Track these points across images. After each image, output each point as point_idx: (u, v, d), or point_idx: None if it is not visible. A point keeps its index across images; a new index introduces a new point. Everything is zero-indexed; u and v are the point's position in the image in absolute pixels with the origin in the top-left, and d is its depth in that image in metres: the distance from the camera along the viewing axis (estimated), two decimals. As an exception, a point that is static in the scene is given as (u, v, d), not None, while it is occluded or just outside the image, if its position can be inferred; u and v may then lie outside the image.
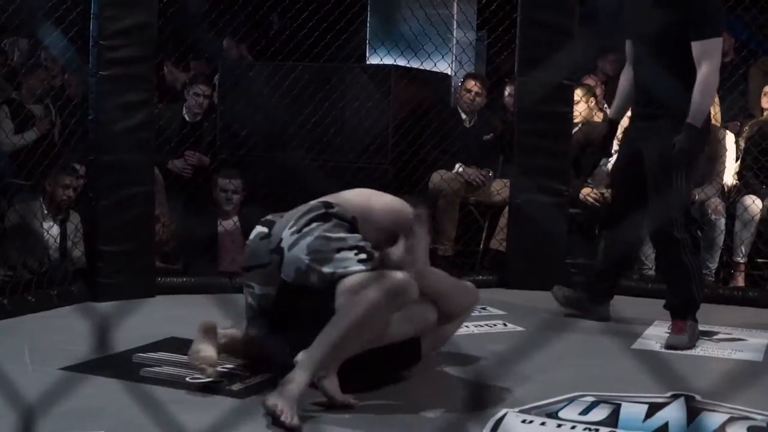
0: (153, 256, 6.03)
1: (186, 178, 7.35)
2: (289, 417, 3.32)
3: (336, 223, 3.92)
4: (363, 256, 3.81)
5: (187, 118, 7.52)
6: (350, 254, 3.81)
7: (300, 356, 3.53)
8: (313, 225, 3.89)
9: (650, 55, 4.83)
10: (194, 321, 4.47)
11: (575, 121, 7.18)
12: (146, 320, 5.11)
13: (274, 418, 3.33)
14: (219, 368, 3.97)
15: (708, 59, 4.67)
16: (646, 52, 4.88)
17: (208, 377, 3.83)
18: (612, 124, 5.32)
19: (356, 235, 3.91)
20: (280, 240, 3.91)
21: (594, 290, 5.44)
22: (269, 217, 4.13)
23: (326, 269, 3.78)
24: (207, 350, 3.86)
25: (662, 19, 4.70)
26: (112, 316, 5.07)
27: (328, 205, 4.00)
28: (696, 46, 4.69)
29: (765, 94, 7.45)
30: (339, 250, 3.81)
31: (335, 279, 3.76)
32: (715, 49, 4.70)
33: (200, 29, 7.74)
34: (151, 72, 5.91)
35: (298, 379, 3.44)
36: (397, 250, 3.95)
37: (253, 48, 7.63)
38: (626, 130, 5.33)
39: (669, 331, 5.02)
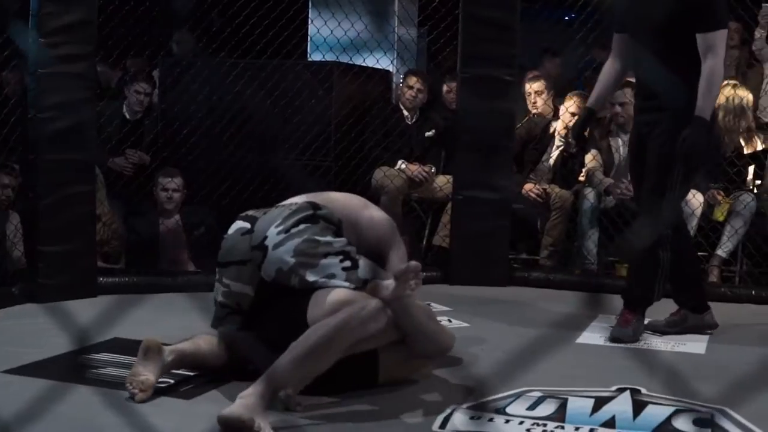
0: (94, 255, 5.97)
1: (127, 177, 7.28)
2: (263, 428, 3.27)
3: (324, 226, 3.89)
4: (348, 263, 3.80)
5: (127, 116, 7.45)
6: (335, 260, 3.79)
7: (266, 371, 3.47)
8: (301, 226, 3.84)
9: (652, 47, 4.76)
10: (137, 321, 4.45)
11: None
12: (88, 321, 5.07)
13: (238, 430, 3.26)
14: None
15: (713, 52, 4.63)
16: (648, 45, 4.80)
17: (140, 401, 3.64)
18: (590, 112, 5.22)
19: (342, 239, 3.89)
20: (265, 237, 3.84)
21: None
22: (250, 212, 4.04)
23: (310, 277, 3.76)
24: (144, 374, 3.68)
25: (666, 10, 4.67)
26: (54, 317, 5.04)
27: (316, 206, 3.96)
28: (701, 39, 4.65)
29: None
30: (325, 255, 3.79)
31: (315, 288, 3.75)
32: (720, 41, 4.66)
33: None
34: (92, 69, 5.86)
35: (259, 391, 3.36)
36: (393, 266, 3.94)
37: (196, 44, 7.58)
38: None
39: (615, 322, 5.03)
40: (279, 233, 3.82)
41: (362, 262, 3.86)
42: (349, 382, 3.77)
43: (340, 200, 4.14)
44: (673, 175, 4.73)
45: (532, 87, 7.59)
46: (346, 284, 3.76)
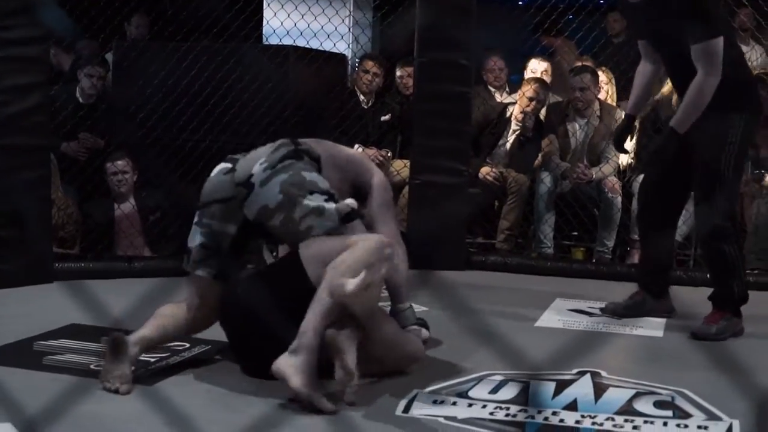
0: (50, 241, 5.91)
1: (81, 162, 7.21)
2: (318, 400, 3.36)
3: (307, 161, 3.90)
4: (332, 205, 3.79)
5: (81, 100, 7.37)
6: (321, 199, 3.79)
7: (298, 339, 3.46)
8: (286, 162, 3.84)
9: (670, 54, 4.75)
10: (94, 306, 4.41)
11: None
12: (45, 307, 5.02)
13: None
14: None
15: (703, 63, 4.53)
16: (666, 52, 4.80)
17: (126, 393, 3.57)
18: (630, 119, 5.10)
19: (325, 181, 3.88)
20: (251, 175, 3.82)
21: (654, 288, 5.17)
22: (231, 156, 4.03)
23: (295, 213, 3.75)
24: (119, 368, 3.60)
25: (664, 24, 4.64)
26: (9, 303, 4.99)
27: (296, 142, 3.97)
28: (692, 51, 4.55)
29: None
30: (311, 192, 3.78)
31: (298, 231, 3.75)
32: (709, 53, 4.51)
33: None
34: (45, 53, 5.80)
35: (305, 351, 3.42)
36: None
37: (150, 28, 7.51)
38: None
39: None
40: (265, 170, 3.81)
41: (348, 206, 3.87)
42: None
43: (314, 141, 4.14)
44: (721, 169, 4.64)
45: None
46: (329, 224, 3.76)
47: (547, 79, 7.56)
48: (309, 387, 3.37)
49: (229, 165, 3.95)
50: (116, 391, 3.55)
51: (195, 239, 3.97)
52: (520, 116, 7.22)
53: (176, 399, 3.44)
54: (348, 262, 3.52)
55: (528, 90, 7.22)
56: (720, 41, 4.53)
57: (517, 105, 7.30)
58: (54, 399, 3.34)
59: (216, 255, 3.92)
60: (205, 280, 3.94)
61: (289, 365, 3.40)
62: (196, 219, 3.98)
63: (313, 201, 3.77)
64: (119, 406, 3.43)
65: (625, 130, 5.18)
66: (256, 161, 3.85)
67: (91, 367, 3.91)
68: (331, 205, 3.79)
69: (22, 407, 3.28)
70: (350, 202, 3.86)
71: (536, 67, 7.66)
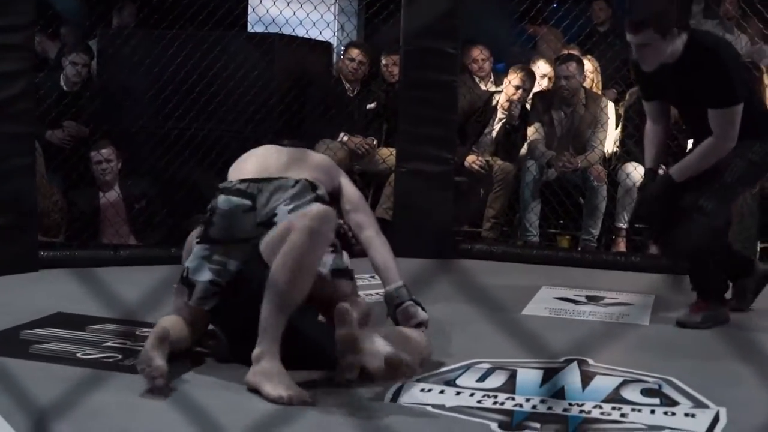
0: (35, 229, 5.88)
1: (66, 150, 7.19)
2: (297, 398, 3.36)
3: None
4: (330, 258, 3.81)
5: (65, 88, 7.34)
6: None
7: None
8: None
9: (695, 112, 4.74)
10: (80, 295, 4.39)
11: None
12: (30, 295, 5.01)
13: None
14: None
15: (718, 129, 4.58)
16: (689, 109, 4.85)
17: (157, 388, 3.48)
18: (652, 172, 4.95)
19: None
20: (275, 215, 3.77)
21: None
22: (239, 186, 3.91)
23: None
24: (159, 361, 3.50)
25: (695, 85, 4.64)
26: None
27: (314, 186, 3.96)
28: (710, 114, 4.60)
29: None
30: None
31: None
32: (726, 120, 4.56)
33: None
34: (29, 40, 5.76)
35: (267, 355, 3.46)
36: None
37: (136, 16, 7.48)
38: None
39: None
40: (290, 212, 3.76)
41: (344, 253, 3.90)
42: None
43: (321, 168, 4.17)
44: (727, 174, 4.66)
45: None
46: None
47: (550, 84, 7.51)
48: (281, 388, 3.37)
49: (247, 202, 3.83)
50: (153, 381, 3.47)
51: (203, 275, 3.78)
52: (506, 105, 7.22)
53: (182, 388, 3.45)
54: (284, 250, 3.53)
55: (515, 78, 7.22)
56: (739, 108, 4.57)
57: (503, 93, 7.30)
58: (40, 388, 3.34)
59: (222, 291, 3.79)
60: (207, 311, 3.87)
61: (258, 374, 3.43)
62: (204, 253, 3.80)
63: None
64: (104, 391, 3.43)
65: (648, 182, 4.97)
66: (279, 202, 3.80)
67: (78, 355, 3.91)
68: (329, 258, 3.78)
69: (9, 396, 3.27)
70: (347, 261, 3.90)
71: (544, 71, 7.61)
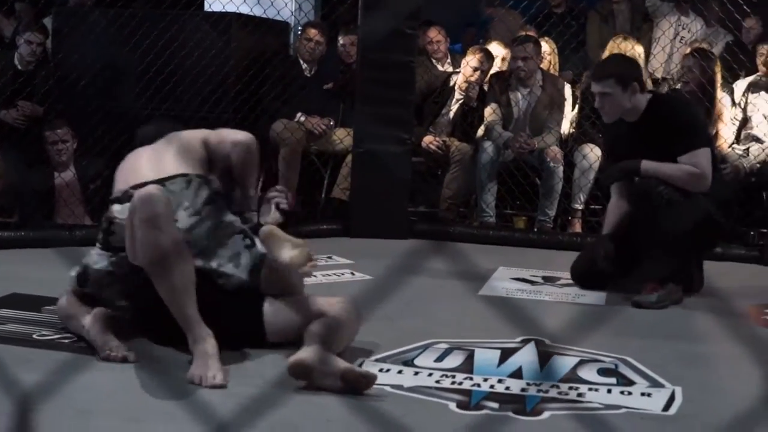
0: (-13, 210, 5.84)
1: (20, 130, 7.11)
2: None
3: (221, 204, 3.87)
4: (248, 241, 3.79)
5: (19, 67, 7.26)
6: (239, 238, 3.78)
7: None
8: (208, 208, 3.80)
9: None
10: (35, 276, 4.36)
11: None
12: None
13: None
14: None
15: (694, 163, 4.83)
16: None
17: (131, 361, 3.56)
18: (611, 238, 5.11)
19: (236, 217, 3.88)
20: (175, 221, 3.70)
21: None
22: (126, 190, 3.83)
23: (213, 263, 3.72)
24: (113, 339, 3.60)
25: (664, 137, 4.87)
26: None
27: (206, 179, 3.91)
28: (684, 160, 4.83)
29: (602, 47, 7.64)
30: (231, 235, 3.78)
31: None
32: (701, 158, 4.84)
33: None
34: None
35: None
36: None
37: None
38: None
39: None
40: (190, 215, 3.75)
41: (257, 240, 3.84)
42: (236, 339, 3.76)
43: (194, 144, 4.06)
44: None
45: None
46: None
47: (505, 66, 7.53)
48: (214, 375, 3.35)
49: None
50: (125, 360, 3.54)
51: (101, 262, 3.82)
52: (464, 86, 7.23)
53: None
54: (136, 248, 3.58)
55: (472, 60, 7.23)
56: (708, 151, 4.89)
57: (461, 74, 7.31)
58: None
59: (119, 282, 3.81)
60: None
61: (200, 368, 3.39)
62: (108, 255, 3.80)
63: (233, 241, 3.76)
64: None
65: (607, 248, 5.08)
66: (180, 205, 3.74)
67: (34, 336, 3.88)
68: (246, 249, 3.77)
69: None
70: (260, 248, 3.82)
71: (497, 52, 7.63)
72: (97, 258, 3.83)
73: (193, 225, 3.74)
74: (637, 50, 7.19)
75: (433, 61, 7.93)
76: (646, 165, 4.87)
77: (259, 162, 4.18)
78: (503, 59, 7.56)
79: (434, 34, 7.95)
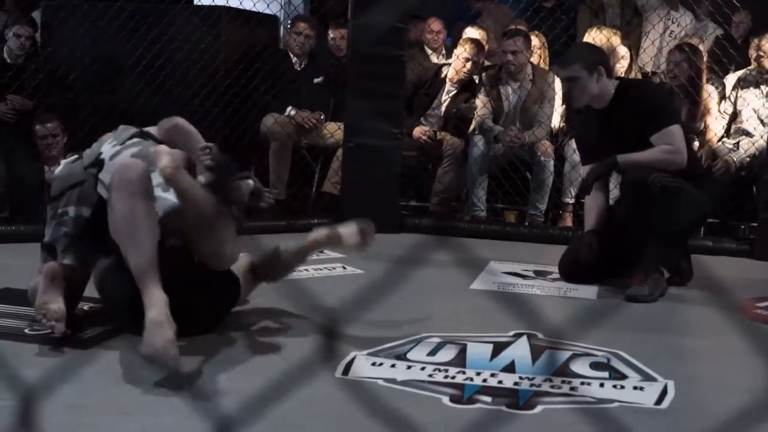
0: (-21, 204, 5.83)
1: (10, 124, 7.09)
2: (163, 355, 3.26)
3: (152, 143, 3.95)
4: None
5: (8, 60, 7.24)
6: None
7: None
8: (135, 140, 3.95)
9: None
10: (26, 271, 4.34)
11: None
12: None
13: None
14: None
15: (670, 144, 4.87)
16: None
17: (57, 334, 3.59)
18: (594, 233, 5.12)
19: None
20: (99, 154, 3.90)
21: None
22: (74, 152, 4.14)
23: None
24: (56, 302, 3.62)
25: (628, 132, 4.91)
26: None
27: (141, 129, 4.09)
28: (655, 138, 4.88)
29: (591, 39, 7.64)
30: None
31: None
32: (673, 136, 4.88)
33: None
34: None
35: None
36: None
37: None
38: None
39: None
40: (114, 146, 3.91)
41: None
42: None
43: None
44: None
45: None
46: (170, 201, 3.70)
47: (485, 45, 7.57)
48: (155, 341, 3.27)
49: (75, 155, 4.03)
50: (51, 330, 3.55)
51: (58, 230, 3.93)
52: (455, 78, 7.23)
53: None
54: (110, 217, 3.65)
55: (463, 52, 7.23)
56: (679, 129, 4.93)
57: (452, 67, 7.30)
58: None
59: (77, 243, 3.89)
60: (72, 267, 3.88)
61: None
62: (50, 214, 3.97)
63: (157, 177, 3.69)
64: (51, 367, 3.40)
65: (592, 242, 5.10)
66: (103, 143, 3.94)
67: (26, 331, 3.87)
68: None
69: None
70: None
71: (473, 35, 7.66)
72: (47, 228, 3.99)
73: (116, 153, 3.86)
74: (613, 42, 7.21)
75: (428, 52, 7.94)
76: (621, 158, 4.90)
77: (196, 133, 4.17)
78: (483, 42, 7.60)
79: (436, 25, 7.98)
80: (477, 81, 7.29)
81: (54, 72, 7.20)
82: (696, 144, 6.43)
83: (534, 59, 7.32)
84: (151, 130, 4.14)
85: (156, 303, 3.36)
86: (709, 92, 6.89)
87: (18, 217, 6.41)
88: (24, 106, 7.19)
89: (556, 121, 7.24)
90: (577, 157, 6.79)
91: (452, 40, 8.36)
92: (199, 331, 3.78)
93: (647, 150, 4.86)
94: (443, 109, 7.34)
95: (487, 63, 7.50)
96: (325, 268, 5.39)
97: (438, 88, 7.35)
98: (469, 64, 7.20)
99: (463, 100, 7.25)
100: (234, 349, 3.73)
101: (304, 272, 5.14)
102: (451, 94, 7.30)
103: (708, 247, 6.17)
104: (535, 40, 7.38)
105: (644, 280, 4.83)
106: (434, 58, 7.92)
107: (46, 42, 7.38)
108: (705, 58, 7.00)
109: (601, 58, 5.08)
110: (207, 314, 3.89)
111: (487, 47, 7.64)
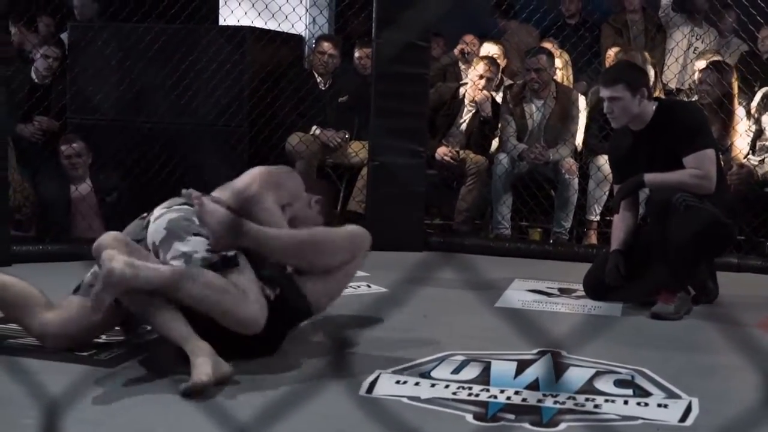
0: (8, 224, 5.87)
1: (37, 144, 7.16)
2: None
3: (194, 210, 3.91)
4: (203, 254, 3.72)
5: (36, 81, 7.30)
6: (202, 240, 3.76)
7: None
8: (184, 206, 3.91)
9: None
10: (53, 289, 4.37)
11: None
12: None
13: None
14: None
15: (701, 168, 4.84)
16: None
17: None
18: (621, 253, 5.09)
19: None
20: (152, 214, 3.93)
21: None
22: None
23: (168, 254, 3.74)
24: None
25: (662, 153, 4.91)
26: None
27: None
28: (688, 161, 4.85)
29: (608, 57, 7.66)
30: (196, 234, 3.78)
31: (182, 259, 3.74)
32: (706, 159, 4.85)
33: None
34: (2, 33, 5.74)
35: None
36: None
37: (106, 9, 7.44)
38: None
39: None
40: (161, 209, 3.91)
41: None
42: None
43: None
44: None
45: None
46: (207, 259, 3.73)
47: (500, 63, 7.59)
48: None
49: (144, 214, 4.04)
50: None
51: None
52: (471, 96, 7.24)
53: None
54: None
55: (477, 69, 7.25)
56: (713, 153, 4.90)
57: (469, 85, 7.32)
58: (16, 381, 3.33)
59: None
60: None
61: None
62: None
63: (188, 246, 3.73)
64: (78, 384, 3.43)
65: (618, 263, 5.06)
66: (159, 206, 3.98)
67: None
68: (201, 255, 3.73)
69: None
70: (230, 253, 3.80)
71: (490, 51, 7.70)
72: None
73: (160, 215, 3.88)
74: (643, 56, 7.21)
75: (461, 66, 8.02)
76: (649, 177, 4.90)
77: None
78: (497, 57, 7.61)
79: (469, 37, 8.07)
80: (500, 99, 7.31)
81: (80, 92, 7.26)
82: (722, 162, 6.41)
83: (557, 77, 7.33)
84: (222, 193, 4.06)
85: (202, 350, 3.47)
86: (740, 116, 6.87)
87: (45, 237, 6.45)
88: (51, 127, 7.27)
89: (580, 138, 7.24)
90: (600, 175, 6.83)
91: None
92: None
93: (676, 171, 4.85)
94: (464, 127, 7.35)
95: (508, 82, 7.52)
96: (350, 286, 5.39)
97: (457, 108, 7.36)
98: (483, 82, 7.20)
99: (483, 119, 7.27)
100: (258, 366, 3.74)
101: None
102: (471, 113, 7.31)
103: (733, 264, 6.16)
104: (558, 59, 7.39)
105: (669, 298, 4.82)
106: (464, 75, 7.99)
107: (73, 63, 7.44)
108: (735, 75, 6.97)
109: (645, 79, 5.08)
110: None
111: (504, 63, 7.67)
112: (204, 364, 3.39)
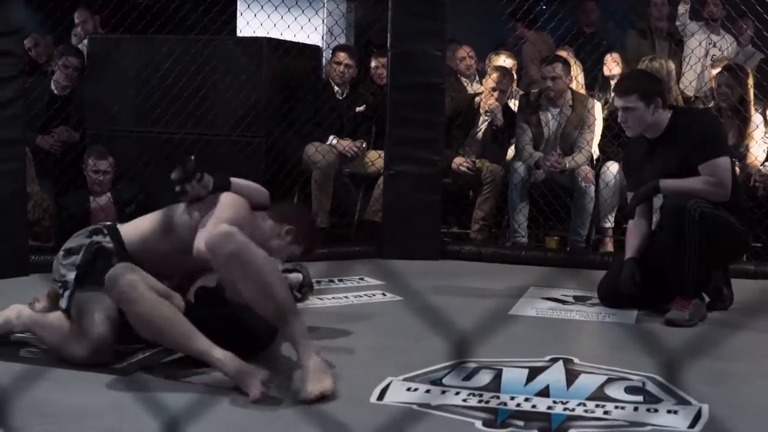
0: (26, 234, 5.92)
1: (57, 155, 7.21)
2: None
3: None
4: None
5: (55, 92, 7.36)
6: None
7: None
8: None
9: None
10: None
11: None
12: (22, 300, 5.01)
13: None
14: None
15: (716, 176, 4.86)
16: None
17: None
18: (636, 262, 5.08)
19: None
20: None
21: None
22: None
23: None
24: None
25: (677, 160, 4.92)
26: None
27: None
28: (703, 169, 4.87)
29: (606, 63, 7.68)
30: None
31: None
32: (721, 167, 4.87)
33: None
34: (18, 46, 5.79)
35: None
36: None
37: (123, 22, 7.47)
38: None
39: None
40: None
41: None
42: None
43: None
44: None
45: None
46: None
47: (513, 73, 7.61)
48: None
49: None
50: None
51: None
52: (486, 106, 7.25)
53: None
54: None
55: (490, 80, 7.28)
56: (728, 161, 4.92)
57: (483, 95, 7.34)
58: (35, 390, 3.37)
59: None
60: None
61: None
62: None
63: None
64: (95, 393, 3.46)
65: (633, 272, 5.05)
66: None
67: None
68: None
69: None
70: None
71: (503, 63, 7.71)
72: None
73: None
74: (669, 66, 7.22)
75: (463, 81, 7.99)
76: (665, 182, 4.92)
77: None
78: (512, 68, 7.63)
79: (462, 53, 8.03)
80: (516, 108, 7.32)
81: (99, 104, 7.30)
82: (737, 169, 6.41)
83: (573, 86, 7.34)
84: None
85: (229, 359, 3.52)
86: (756, 123, 6.87)
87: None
88: (70, 138, 7.31)
89: (596, 146, 7.24)
90: (615, 181, 6.83)
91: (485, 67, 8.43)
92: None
93: (691, 178, 4.86)
94: (480, 136, 7.37)
95: (521, 92, 7.54)
96: (365, 295, 5.43)
97: (472, 117, 7.38)
98: (496, 93, 7.22)
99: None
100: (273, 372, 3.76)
101: (343, 299, 5.19)
102: (486, 123, 7.32)
103: (750, 272, 6.15)
104: (574, 68, 7.40)
105: (684, 305, 4.83)
106: (469, 87, 7.98)
107: (92, 74, 7.48)
108: (751, 80, 6.96)
109: (659, 88, 5.08)
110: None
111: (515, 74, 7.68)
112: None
